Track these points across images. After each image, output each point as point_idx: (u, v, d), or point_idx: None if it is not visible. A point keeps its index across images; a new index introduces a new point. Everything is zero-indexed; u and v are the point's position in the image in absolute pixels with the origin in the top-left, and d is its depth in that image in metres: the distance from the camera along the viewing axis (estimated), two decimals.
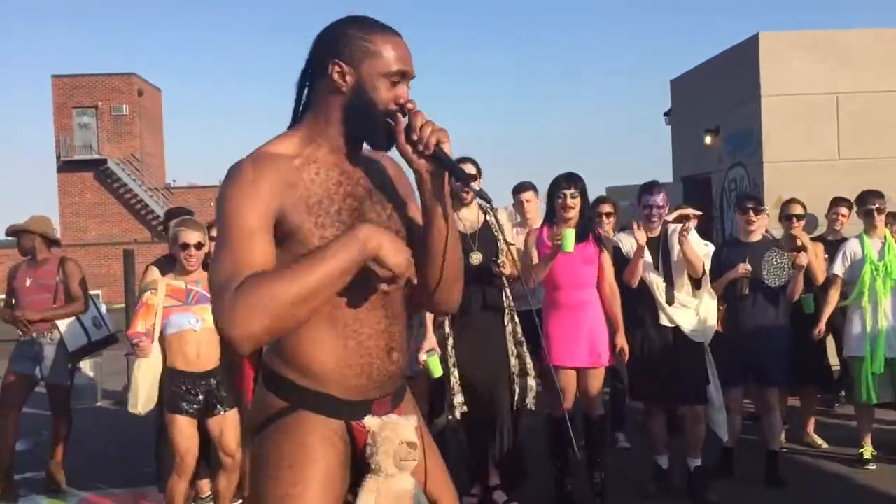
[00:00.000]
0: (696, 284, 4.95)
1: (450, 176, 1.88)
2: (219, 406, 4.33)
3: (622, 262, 4.95)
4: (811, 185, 7.59)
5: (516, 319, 4.70)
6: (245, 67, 71.52)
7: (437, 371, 4.44)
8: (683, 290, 4.91)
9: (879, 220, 5.52)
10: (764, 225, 5.61)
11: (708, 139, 9.16)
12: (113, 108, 32.40)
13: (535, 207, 5.94)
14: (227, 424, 4.36)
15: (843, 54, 7.97)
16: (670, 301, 4.88)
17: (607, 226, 6.38)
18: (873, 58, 7.98)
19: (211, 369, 4.31)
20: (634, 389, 5.14)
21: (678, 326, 4.87)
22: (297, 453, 1.85)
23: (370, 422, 1.91)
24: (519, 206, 5.91)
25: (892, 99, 7.95)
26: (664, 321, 4.87)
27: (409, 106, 1.85)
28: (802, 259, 5.24)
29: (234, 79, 71.17)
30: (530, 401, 4.64)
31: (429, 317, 4.50)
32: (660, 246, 4.94)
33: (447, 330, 4.56)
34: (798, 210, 5.88)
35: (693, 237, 4.93)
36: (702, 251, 4.97)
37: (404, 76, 1.88)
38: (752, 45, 8.12)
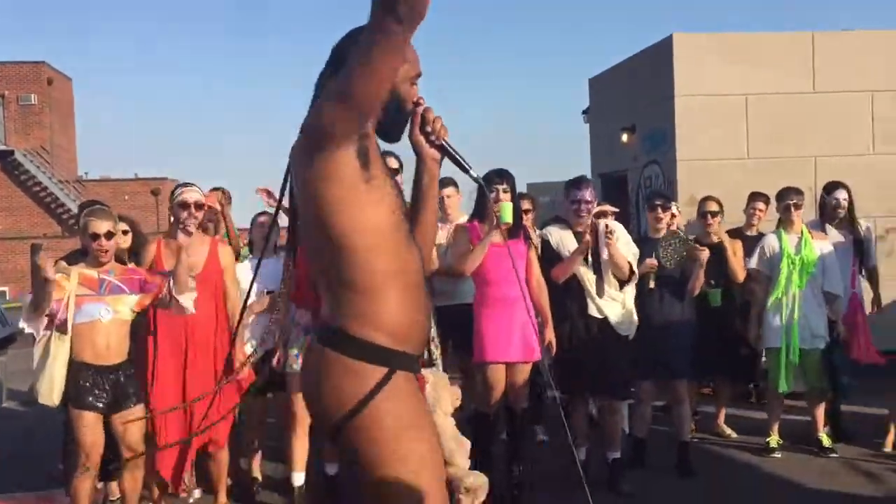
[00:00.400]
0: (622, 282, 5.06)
1: (454, 163, 2.20)
2: (125, 401, 4.22)
3: (550, 256, 5.02)
4: (722, 183, 7.82)
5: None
6: (162, 57, 69.61)
7: None
8: (612, 284, 5.02)
9: (796, 215, 5.72)
10: (674, 222, 5.78)
11: (624, 137, 9.35)
12: (20, 97, 31.11)
13: (457, 203, 5.96)
14: (133, 420, 4.25)
15: (754, 57, 8.23)
16: (600, 293, 4.98)
17: (527, 222, 6.45)
18: (783, 61, 8.27)
19: (119, 363, 4.21)
20: (562, 382, 5.19)
21: (606, 319, 4.97)
22: (414, 412, 2.05)
23: (427, 373, 2.40)
24: (440, 201, 5.92)
25: (799, 101, 8.25)
26: (593, 311, 4.96)
27: (422, 103, 2.16)
28: (704, 255, 5.38)
29: (149, 69, 69.17)
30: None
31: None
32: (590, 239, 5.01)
33: None
34: (713, 207, 6.06)
35: (624, 237, 5.04)
36: (629, 251, 5.07)
37: (419, 77, 2.16)
38: (666, 45, 8.32)
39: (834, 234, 6.05)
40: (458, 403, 2.15)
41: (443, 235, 5.77)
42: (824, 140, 8.21)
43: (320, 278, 2.12)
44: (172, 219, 4.72)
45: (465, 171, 2.20)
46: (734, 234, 6.28)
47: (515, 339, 4.74)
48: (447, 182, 5.96)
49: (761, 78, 8.21)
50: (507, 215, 4.55)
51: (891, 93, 8.30)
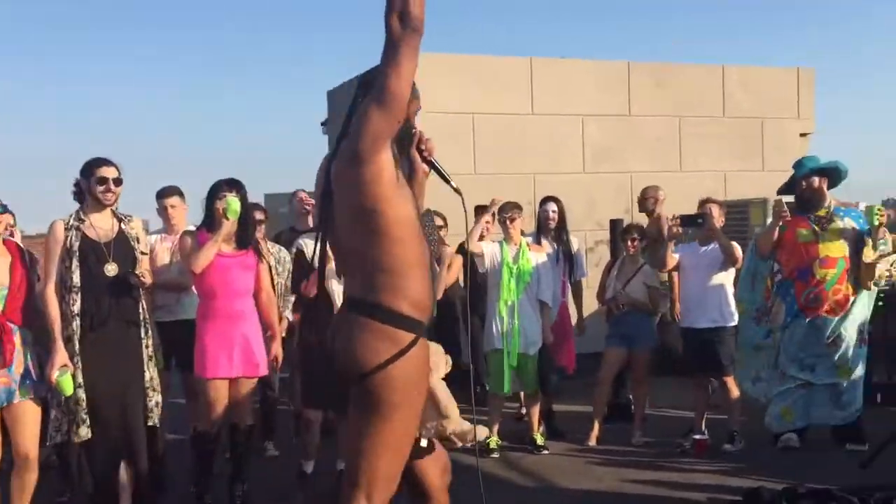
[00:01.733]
0: None
1: (438, 174, 2.82)
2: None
3: (304, 268, 4.96)
4: (451, 197, 8.17)
5: (150, 333, 4.48)
6: None
7: (69, 390, 4.07)
8: None
9: (513, 227, 6.12)
10: None
11: None
12: None
13: (181, 213, 5.72)
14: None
15: (480, 78, 8.70)
16: None
17: (258, 234, 6.34)
18: (505, 83, 8.82)
19: None
20: (307, 397, 5.12)
21: None
22: (422, 372, 2.61)
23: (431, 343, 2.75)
24: (163, 211, 5.65)
25: (520, 121, 8.84)
26: None
27: (417, 128, 2.77)
28: (448, 251, 5.71)
29: None
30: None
31: (57, 328, 4.11)
32: None
33: (76, 345, 4.20)
34: (438, 221, 6.34)
35: None
36: None
37: (419, 110, 2.76)
38: None
39: (552, 246, 6.55)
40: (449, 368, 3.23)
41: (166, 248, 5.53)
42: (542, 158, 8.86)
43: (356, 263, 2.59)
44: None
45: (447, 181, 2.79)
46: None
47: (237, 354, 4.63)
48: (171, 191, 5.70)
49: (486, 98, 8.70)
50: (233, 210, 4.52)
51: (597, 118, 9.14)
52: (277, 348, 4.91)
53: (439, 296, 5.79)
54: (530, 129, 8.86)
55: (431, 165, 2.81)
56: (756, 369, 6.05)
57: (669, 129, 9.44)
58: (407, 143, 2.73)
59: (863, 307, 5.78)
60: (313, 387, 5.01)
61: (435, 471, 3.26)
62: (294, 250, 5.35)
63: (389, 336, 2.51)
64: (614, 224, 7.49)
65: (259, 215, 6.38)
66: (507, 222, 6.12)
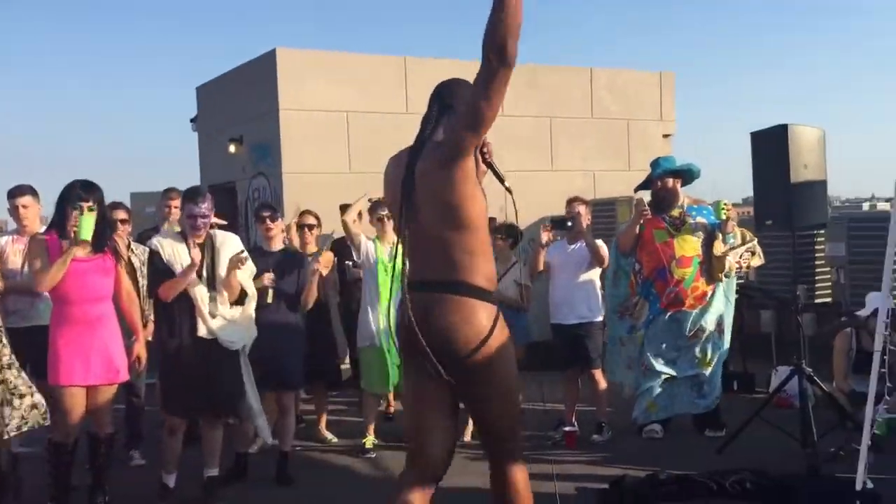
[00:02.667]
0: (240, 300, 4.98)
1: (494, 174, 3.09)
2: None
3: (160, 269, 4.75)
4: (325, 195, 8.11)
5: (4, 340, 4.23)
6: None
7: None
8: (225, 302, 4.88)
9: (388, 226, 6.07)
10: (282, 233, 5.90)
11: (232, 148, 9.27)
12: None
13: (34, 213, 5.41)
14: None
15: (353, 76, 8.65)
16: (213, 313, 4.81)
17: (122, 233, 6.10)
18: (379, 81, 8.80)
19: None
20: (168, 403, 4.93)
21: (216, 339, 4.81)
22: (506, 333, 3.01)
23: None
24: (14, 211, 5.33)
25: (394, 120, 8.83)
26: (202, 332, 4.77)
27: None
28: (316, 267, 5.63)
29: None
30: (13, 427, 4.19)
31: None
32: (204, 254, 4.83)
33: None
34: (310, 220, 6.28)
35: (248, 266, 4.97)
36: (248, 272, 5.02)
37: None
38: (270, 59, 8.42)
39: None
40: None
41: (19, 250, 5.23)
42: None
43: (440, 249, 2.93)
44: None
45: (501, 181, 3.07)
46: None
47: (95, 361, 4.44)
48: (24, 190, 5.36)
49: (360, 97, 8.66)
50: (86, 231, 4.29)
51: None
52: (140, 350, 4.73)
53: (312, 299, 5.74)
54: (405, 127, 8.72)
55: (490, 166, 3.10)
56: (621, 362, 6.26)
57: (540, 129, 9.66)
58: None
59: (720, 299, 6.08)
60: (173, 392, 4.83)
61: None
62: (146, 250, 5.06)
63: (485, 308, 2.92)
64: (489, 222, 7.59)
65: (121, 214, 6.14)
66: (385, 220, 6.08)
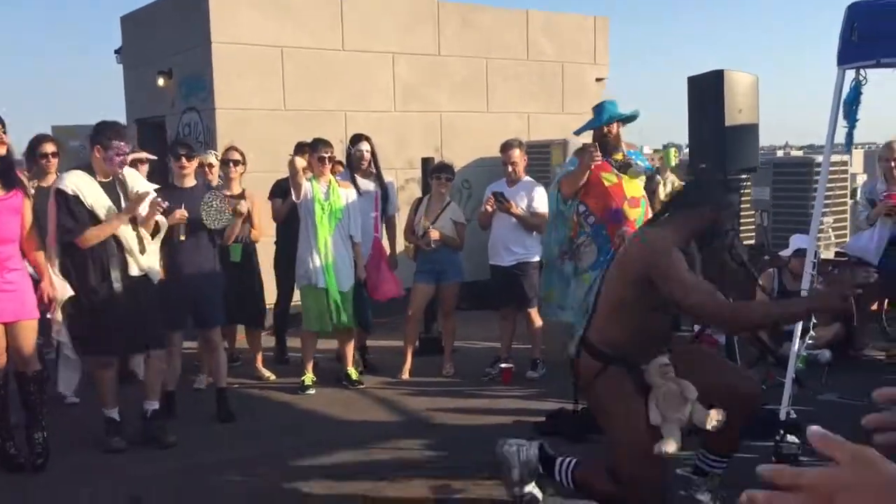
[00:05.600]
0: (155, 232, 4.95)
1: None
2: None
3: (80, 215, 4.61)
4: (260, 132, 7.97)
5: None
6: None
7: None
8: (148, 238, 4.88)
9: (328, 167, 6.05)
10: (212, 172, 5.83)
11: (161, 81, 8.97)
12: None
13: None
14: None
15: (288, 11, 8.43)
16: (143, 250, 4.80)
17: (51, 167, 5.96)
18: (315, 18, 8.60)
19: None
20: (92, 344, 4.85)
21: (146, 275, 4.82)
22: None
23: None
24: None
25: (331, 57, 8.69)
26: (135, 271, 4.76)
27: None
28: (243, 207, 5.57)
29: None
30: None
31: None
32: (119, 193, 4.75)
33: None
34: (235, 156, 6.25)
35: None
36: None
37: None
38: None
39: (363, 184, 6.54)
40: (671, 371, 3.49)
41: None
42: (353, 96, 8.78)
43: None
44: None
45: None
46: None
47: (8, 300, 4.37)
48: None
49: (295, 32, 8.47)
50: None
51: (407, 56, 9.16)
52: (46, 286, 4.59)
53: (233, 236, 5.71)
54: (341, 65, 8.74)
55: None
56: (561, 302, 6.35)
57: (476, 70, 9.63)
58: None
59: None
60: (110, 334, 4.74)
61: None
62: (54, 189, 4.76)
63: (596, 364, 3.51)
64: (426, 162, 7.60)
65: (50, 147, 6.00)
66: (326, 161, 6.05)
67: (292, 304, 6.86)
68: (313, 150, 6.10)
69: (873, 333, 6.86)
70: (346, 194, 6.13)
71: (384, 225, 6.84)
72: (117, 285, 4.68)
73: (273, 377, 6.43)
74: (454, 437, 5.07)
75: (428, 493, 4.14)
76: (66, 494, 4.19)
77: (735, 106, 5.41)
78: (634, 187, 5.77)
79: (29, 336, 4.51)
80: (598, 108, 5.83)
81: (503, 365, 6.33)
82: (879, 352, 6.64)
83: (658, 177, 5.98)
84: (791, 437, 4.43)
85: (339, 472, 4.44)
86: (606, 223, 5.91)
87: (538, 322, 6.43)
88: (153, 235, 4.92)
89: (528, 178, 6.51)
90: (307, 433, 5.19)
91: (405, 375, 6.44)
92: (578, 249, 5.89)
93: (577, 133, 6.00)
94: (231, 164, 6.22)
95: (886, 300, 6.69)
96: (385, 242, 6.88)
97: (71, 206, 4.56)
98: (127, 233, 4.72)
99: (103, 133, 4.71)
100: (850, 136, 4.33)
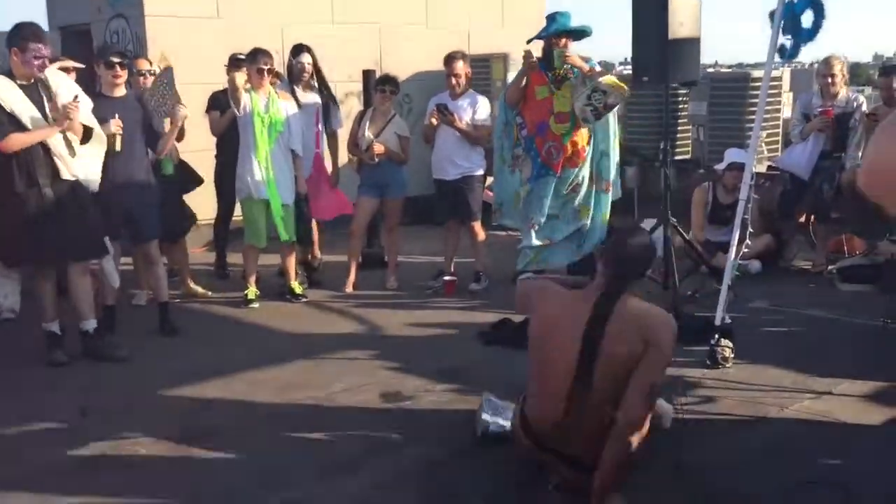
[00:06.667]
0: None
1: None
2: None
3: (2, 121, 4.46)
4: (193, 41, 7.70)
5: None
6: None
7: None
8: (76, 142, 4.73)
9: (266, 78, 5.90)
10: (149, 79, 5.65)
11: None
12: None
13: None
14: None
15: None
16: (73, 153, 4.67)
17: None
18: None
19: None
20: (23, 253, 4.73)
21: (77, 179, 4.70)
22: None
23: None
24: None
25: None
26: (66, 175, 4.64)
27: None
28: (183, 112, 5.43)
29: None
30: None
31: None
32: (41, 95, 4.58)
33: None
34: (145, 66, 6.13)
35: (85, 108, 4.74)
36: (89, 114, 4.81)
37: None
38: None
39: (305, 96, 6.41)
40: None
41: None
42: (292, 6, 8.51)
43: None
44: None
45: None
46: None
47: None
48: None
49: None
50: None
51: None
52: None
53: (168, 147, 5.58)
54: None
55: None
56: (513, 216, 6.35)
57: None
58: None
59: (596, 155, 6.25)
60: (41, 241, 4.61)
61: None
62: None
63: None
64: (367, 74, 7.48)
65: None
66: (265, 73, 5.89)
67: (233, 218, 6.78)
68: (251, 60, 5.93)
69: (801, 245, 7.12)
70: (286, 107, 6.01)
71: (326, 140, 6.75)
72: (47, 191, 4.56)
73: (208, 293, 6.36)
74: (401, 346, 5.14)
75: (380, 401, 4.22)
76: (9, 408, 4.13)
77: (677, 19, 5.44)
78: (564, 102, 5.77)
79: None
80: (550, 18, 5.79)
81: (447, 278, 6.40)
82: (806, 262, 6.92)
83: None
84: (725, 342, 4.63)
85: (289, 382, 4.49)
86: (535, 136, 5.94)
87: (481, 235, 6.49)
88: (84, 141, 4.76)
89: (471, 90, 6.47)
90: (253, 345, 5.20)
91: (349, 289, 6.46)
92: (518, 160, 5.94)
93: (529, 42, 5.94)
94: (146, 74, 6.05)
95: (813, 214, 6.92)
96: (327, 158, 6.80)
97: None
98: (54, 137, 4.58)
99: (19, 35, 4.56)
100: (795, 47, 4.41)
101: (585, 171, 5.99)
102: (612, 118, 5.96)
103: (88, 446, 3.66)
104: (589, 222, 6.01)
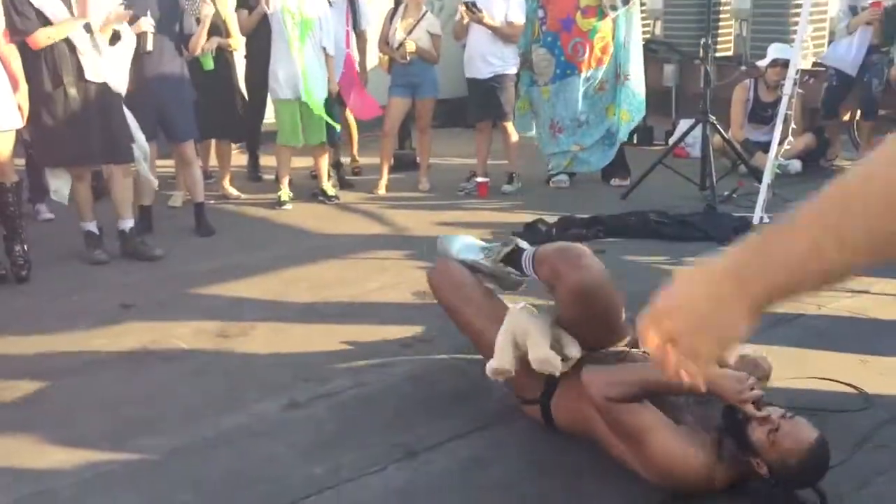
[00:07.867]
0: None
1: None
2: None
3: (20, 8, 4.42)
4: None
5: None
6: None
7: None
8: (105, 42, 4.67)
9: None
10: None
11: None
12: None
13: None
14: None
15: None
16: (99, 50, 4.62)
17: None
18: None
19: None
20: (52, 154, 4.75)
21: (105, 82, 4.64)
22: None
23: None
24: None
25: None
26: (91, 76, 4.58)
27: None
28: (208, 9, 5.34)
29: None
30: None
31: None
32: None
33: None
34: None
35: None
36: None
37: None
38: None
39: None
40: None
41: None
42: None
43: None
44: None
45: None
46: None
47: None
48: None
49: None
50: None
51: None
52: (21, 100, 4.46)
53: (200, 45, 5.52)
54: None
55: None
56: (531, 116, 6.25)
57: None
58: None
59: (623, 51, 6.07)
60: (68, 141, 4.61)
61: None
62: None
63: None
64: None
65: None
66: None
67: (264, 121, 6.73)
68: None
69: (843, 144, 6.94)
70: (317, 4, 5.88)
71: (356, 39, 6.62)
72: (72, 90, 4.53)
73: (242, 195, 6.37)
74: (433, 246, 5.11)
75: (413, 298, 4.25)
76: (54, 304, 4.22)
77: None
78: None
79: (6, 146, 4.40)
80: None
81: (479, 179, 6.34)
82: (848, 161, 6.75)
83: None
84: None
85: (323, 281, 4.52)
86: (559, 32, 5.75)
87: (514, 136, 6.40)
88: (112, 42, 4.70)
89: None
90: (287, 245, 5.23)
91: (381, 191, 6.44)
92: (535, 60, 5.75)
93: None
94: None
95: (858, 111, 6.72)
96: (356, 57, 6.68)
97: (17, 5, 4.39)
98: (80, 35, 4.52)
99: None
100: None
101: (612, 68, 5.84)
102: (636, 8, 5.78)
103: (130, 340, 3.74)
104: (615, 122, 5.90)
